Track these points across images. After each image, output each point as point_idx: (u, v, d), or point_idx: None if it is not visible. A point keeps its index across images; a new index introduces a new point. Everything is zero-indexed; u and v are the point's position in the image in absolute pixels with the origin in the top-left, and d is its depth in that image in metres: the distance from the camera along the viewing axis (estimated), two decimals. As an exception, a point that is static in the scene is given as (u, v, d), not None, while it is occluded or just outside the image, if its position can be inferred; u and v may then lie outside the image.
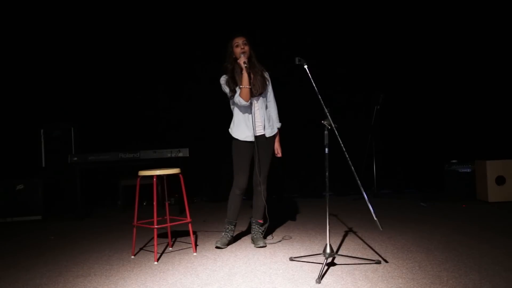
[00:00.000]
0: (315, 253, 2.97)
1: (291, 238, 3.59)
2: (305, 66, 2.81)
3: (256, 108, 3.35)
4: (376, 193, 5.62)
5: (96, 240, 3.87)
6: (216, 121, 4.96)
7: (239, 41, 3.33)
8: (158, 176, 3.15)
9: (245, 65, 3.24)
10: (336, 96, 5.85)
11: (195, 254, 3.23)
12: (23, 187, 5.07)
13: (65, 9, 5.82)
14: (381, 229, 2.72)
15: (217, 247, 3.34)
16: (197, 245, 3.49)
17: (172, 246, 3.49)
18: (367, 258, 2.84)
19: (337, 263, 2.79)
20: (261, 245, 3.32)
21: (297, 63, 2.81)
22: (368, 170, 5.58)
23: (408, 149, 6.07)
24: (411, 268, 2.64)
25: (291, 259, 2.94)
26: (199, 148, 5.70)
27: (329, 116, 2.69)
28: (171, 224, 3.37)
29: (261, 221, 3.45)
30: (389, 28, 6.02)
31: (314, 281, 2.48)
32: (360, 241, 3.36)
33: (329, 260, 2.75)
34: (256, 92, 3.30)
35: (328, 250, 2.70)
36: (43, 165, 5.46)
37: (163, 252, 3.32)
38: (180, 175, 3.26)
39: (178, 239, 3.73)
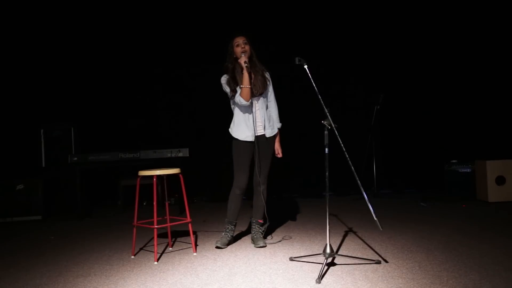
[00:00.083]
0: (315, 253, 2.97)
1: (291, 238, 3.59)
2: (305, 66, 2.81)
3: (256, 108, 3.35)
4: (376, 193, 5.62)
5: (96, 240, 3.87)
6: (216, 121, 4.95)
7: (240, 40, 3.33)
8: (158, 176, 3.15)
9: (246, 64, 3.23)
10: (336, 96, 5.85)
11: (195, 254, 3.23)
12: (23, 187, 5.07)
13: (65, 9, 5.82)
14: (381, 229, 2.71)
15: (217, 247, 3.34)
16: (197, 245, 3.49)
17: (172, 246, 3.48)
18: (367, 258, 2.84)
19: (337, 263, 2.78)
20: (261, 245, 3.32)
21: (297, 63, 2.80)
22: (368, 170, 5.58)
23: (408, 149, 6.08)
24: (411, 268, 2.64)
25: (291, 259, 2.94)
26: (199, 148, 5.71)
27: (329, 116, 2.69)
28: (171, 224, 3.37)
29: (261, 221, 3.45)
30: (389, 28, 6.03)
31: (314, 281, 2.48)
32: (360, 241, 3.36)
33: (329, 260, 2.75)
34: (257, 92, 3.30)
35: (328, 250, 2.70)
36: (43, 165, 5.46)
37: (163, 252, 3.32)
38: (180, 175, 3.26)
39: (178, 239, 3.73)
